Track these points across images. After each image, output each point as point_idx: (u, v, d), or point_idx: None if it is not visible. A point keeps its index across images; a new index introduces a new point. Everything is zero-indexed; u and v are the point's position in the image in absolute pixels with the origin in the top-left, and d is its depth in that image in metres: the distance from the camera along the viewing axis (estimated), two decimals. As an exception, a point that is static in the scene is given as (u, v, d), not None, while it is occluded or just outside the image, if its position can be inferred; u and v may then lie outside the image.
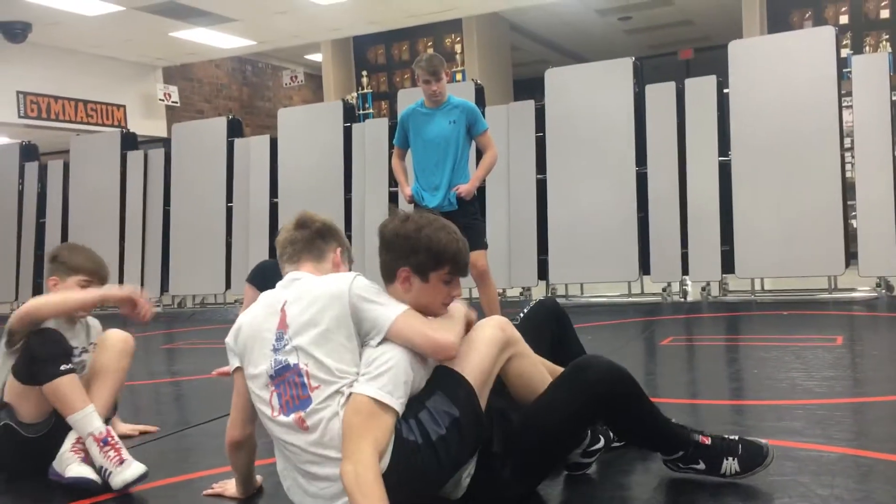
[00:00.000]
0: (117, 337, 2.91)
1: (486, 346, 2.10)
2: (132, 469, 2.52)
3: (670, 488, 2.30)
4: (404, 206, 5.37)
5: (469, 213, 4.77)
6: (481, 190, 4.93)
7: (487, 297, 4.82)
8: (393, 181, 7.89)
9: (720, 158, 6.81)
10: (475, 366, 2.06)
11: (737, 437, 2.30)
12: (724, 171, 6.78)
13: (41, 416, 2.69)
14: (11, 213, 9.74)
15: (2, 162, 10.04)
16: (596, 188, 7.10)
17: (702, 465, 2.27)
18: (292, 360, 2.02)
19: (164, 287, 8.96)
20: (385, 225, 2.22)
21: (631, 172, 7.02)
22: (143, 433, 3.27)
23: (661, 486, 2.33)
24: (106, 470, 2.53)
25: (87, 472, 2.55)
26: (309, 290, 2.09)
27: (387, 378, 1.94)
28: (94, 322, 3.02)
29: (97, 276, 2.93)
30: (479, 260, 4.74)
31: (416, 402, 2.00)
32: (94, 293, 2.76)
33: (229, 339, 2.20)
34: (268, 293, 2.20)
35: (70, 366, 2.62)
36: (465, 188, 4.73)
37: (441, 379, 2.05)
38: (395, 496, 1.85)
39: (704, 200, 6.80)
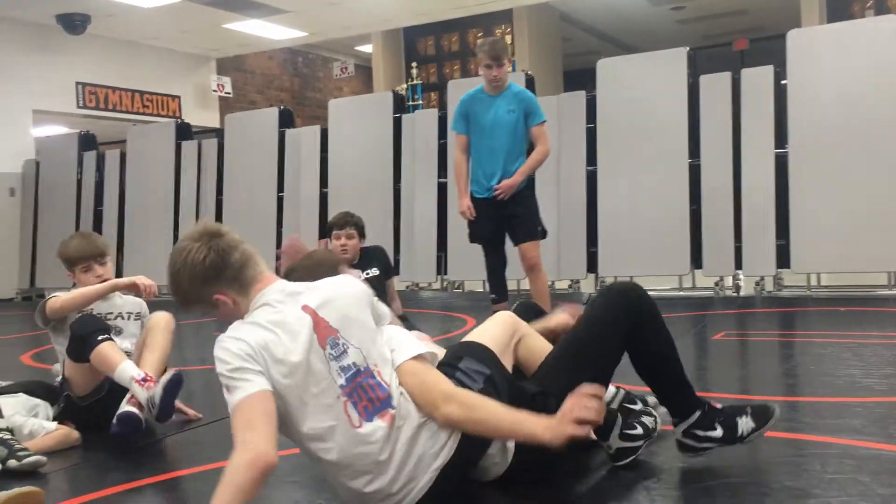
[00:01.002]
0: (161, 317, 3.34)
1: (499, 325, 2.32)
2: (164, 376, 2.99)
3: (721, 485, 2.26)
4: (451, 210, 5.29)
5: (519, 203, 4.67)
6: (532, 178, 4.81)
7: (537, 290, 4.75)
8: (442, 172, 7.89)
9: (776, 150, 6.66)
10: (493, 336, 2.25)
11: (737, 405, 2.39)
12: (781, 164, 6.63)
13: (91, 387, 3.17)
14: (70, 201, 10.01)
15: (62, 151, 10.32)
16: (647, 180, 7.00)
17: (719, 431, 2.30)
18: (359, 361, 1.97)
19: (216, 275, 9.09)
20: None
21: (684, 164, 6.91)
22: (193, 418, 3.41)
23: (710, 485, 2.29)
24: (150, 399, 2.94)
25: (131, 408, 2.95)
26: (334, 294, 2.03)
27: (407, 340, 2.11)
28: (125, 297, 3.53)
29: (91, 258, 3.37)
30: (529, 251, 4.68)
31: (447, 367, 2.11)
32: (104, 285, 3.28)
33: (246, 362, 1.85)
34: (270, 313, 1.96)
35: (107, 336, 3.07)
36: (506, 184, 4.62)
37: (465, 348, 2.20)
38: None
39: (760, 193, 6.66)
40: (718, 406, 2.35)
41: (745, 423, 2.31)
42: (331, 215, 4.83)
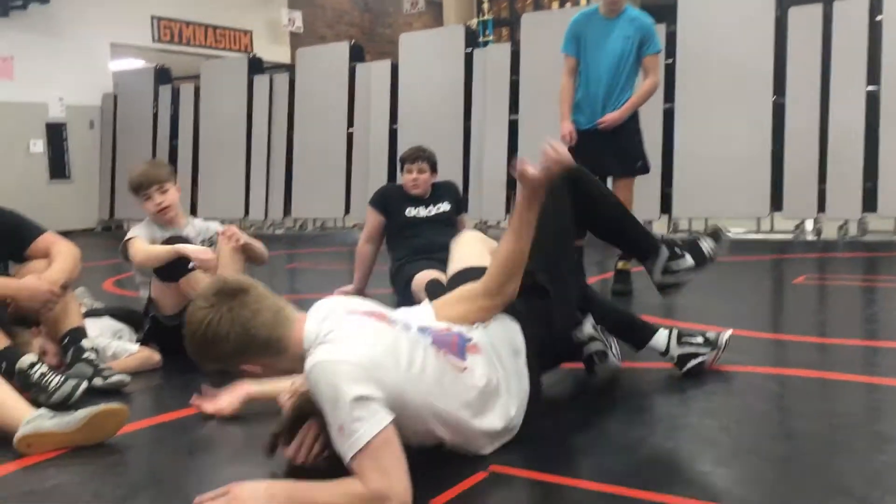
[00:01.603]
0: (226, 251, 3.39)
1: (475, 242, 2.60)
2: None
3: (801, 426, 2.20)
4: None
5: (621, 135, 4.39)
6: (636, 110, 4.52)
7: None
8: (514, 109, 7.76)
9: (868, 88, 6.33)
10: (473, 255, 2.47)
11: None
12: (872, 102, 6.31)
13: (178, 308, 3.18)
14: (147, 134, 10.23)
15: (138, 85, 10.51)
16: (728, 118, 6.76)
17: (689, 259, 2.55)
18: (419, 323, 2.03)
19: (287, 210, 9.24)
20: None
21: (767, 102, 6.64)
22: None
23: (791, 425, 2.23)
24: None
25: None
26: (345, 299, 2.09)
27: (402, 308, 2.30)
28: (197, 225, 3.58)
29: (149, 186, 3.36)
30: (621, 190, 4.44)
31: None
32: (167, 250, 3.19)
33: (366, 387, 1.73)
34: (335, 338, 1.84)
35: (194, 264, 3.17)
36: (611, 117, 4.30)
37: (455, 277, 2.39)
38: None
39: (848, 133, 6.36)
40: (678, 240, 2.59)
41: (706, 245, 2.57)
42: (400, 151, 4.79)
